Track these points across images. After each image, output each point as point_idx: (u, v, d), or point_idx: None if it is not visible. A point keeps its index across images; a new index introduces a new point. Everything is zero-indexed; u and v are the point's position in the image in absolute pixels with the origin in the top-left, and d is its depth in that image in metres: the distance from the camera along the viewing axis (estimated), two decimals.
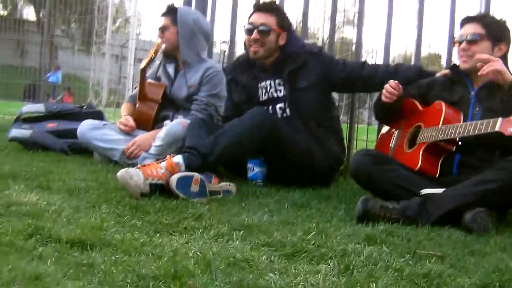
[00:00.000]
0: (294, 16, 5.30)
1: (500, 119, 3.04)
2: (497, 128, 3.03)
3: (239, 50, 6.15)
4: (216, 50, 7.07)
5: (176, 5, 5.11)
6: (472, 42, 3.65)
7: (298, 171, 4.10)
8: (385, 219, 3.08)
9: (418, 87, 3.93)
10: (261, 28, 4.31)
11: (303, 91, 4.28)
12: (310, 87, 4.29)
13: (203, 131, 3.98)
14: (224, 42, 6.80)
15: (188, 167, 3.49)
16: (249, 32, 4.34)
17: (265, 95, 4.41)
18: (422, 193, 3.27)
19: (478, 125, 3.19)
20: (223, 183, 3.58)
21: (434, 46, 5.00)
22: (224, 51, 6.67)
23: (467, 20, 3.77)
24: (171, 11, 4.96)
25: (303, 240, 2.58)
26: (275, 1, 4.56)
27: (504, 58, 3.70)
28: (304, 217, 3.08)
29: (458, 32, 3.82)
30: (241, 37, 5.74)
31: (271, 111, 4.33)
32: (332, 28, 5.67)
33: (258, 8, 4.43)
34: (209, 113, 4.68)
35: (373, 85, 4.33)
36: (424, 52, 5.24)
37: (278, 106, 4.36)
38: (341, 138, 4.55)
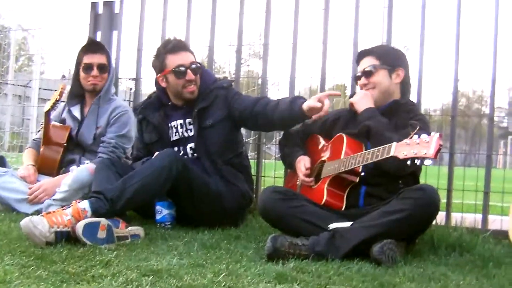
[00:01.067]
0: (200, 50, 5.25)
1: (394, 144, 3.13)
2: (392, 153, 3.12)
3: (145, 88, 6.13)
4: (122, 87, 6.99)
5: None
6: (368, 74, 3.81)
7: (207, 212, 4.06)
8: (295, 256, 3.10)
9: (322, 124, 3.99)
10: (193, 66, 4.22)
11: (210, 129, 4.21)
12: (217, 124, 4.22)
13: (111, 172, 3.89)
14: (130, 79, 6.72)
15: (95, 213, 3.40)
16: (181, 74, 4.19)
17: (176, 135, 4.32)
18: (330, 228, 3.31)
19: (375, 152, 3.27)
20: (130, 228, 3.51)
21: (339, 77, 5.10)
22: (130, 89, 6.61)
23: (361, 55, 3.94)
24: (104, 48, 4.86)
25: (214, 282, 2.56)
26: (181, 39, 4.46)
27: (404, 82, 3.86)
28: (214, 259, 3.06)
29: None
30: (147, 75, 5.76)
31: (182, 151, 4.26)
32: (238, 61, 5.70)
33: (178, 48, 4.26)
34: (117, 155, 4.58)
35: (262, 123, 4.15)
36: (329, 84, 5.30)
37: (189, 146, 4.28)
38: (250, 175, 4.52)
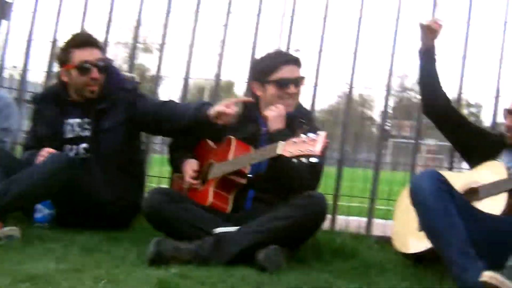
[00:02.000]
0: None
1: (280, 142, 3.11)
2: (278, 151, 3.11)
3: (32, 77, 5.97)
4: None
5: None
6: (299, 83, 3.72)
7: (90, 219, 3.91)
8: (179, 261, 3.02)
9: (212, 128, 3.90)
10: (99, 64, 3.99)
11: (107, 132, 4.02)
12: (115, 128, 4.03)
13: None
14: (14, 67, 6.52)
15: None
16: (86, 71, 3.95)
17: (70, 133, 4.09)
18: (215, 232, 3.25)
19: (261, 152, 3.28)
20: (5, 228, 3.32)
21: (229, 75, 5.16)
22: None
23: (291, 62, 3.76)
24: None
25: None
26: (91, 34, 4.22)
27: None
28: (93, 263, 2.93)
29: (277, 72, 3.70)
30: (35, 64, 5.66)
31: (75, 151, 4.06)
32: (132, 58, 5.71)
33: (86, 43, 4.02)
34: None
35: (166, 129, 4.04)
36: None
37: (82, 146, 4.06)
38: (143, 184, 4.38)
